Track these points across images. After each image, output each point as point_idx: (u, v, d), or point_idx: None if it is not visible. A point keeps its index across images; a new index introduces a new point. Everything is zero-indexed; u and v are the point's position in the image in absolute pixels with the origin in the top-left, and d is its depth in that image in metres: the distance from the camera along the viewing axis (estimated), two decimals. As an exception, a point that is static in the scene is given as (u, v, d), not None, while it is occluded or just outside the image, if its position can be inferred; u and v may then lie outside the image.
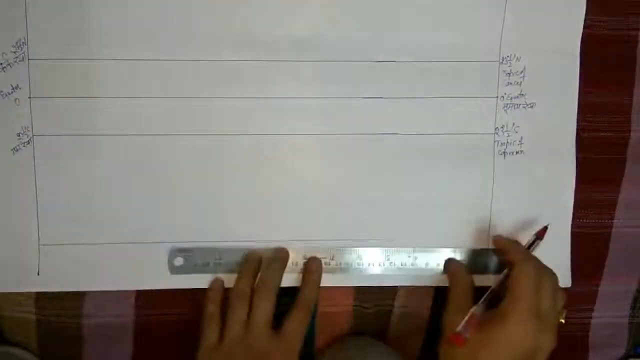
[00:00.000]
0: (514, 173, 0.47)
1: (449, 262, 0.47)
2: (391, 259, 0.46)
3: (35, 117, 0.44)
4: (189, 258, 0.45)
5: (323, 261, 0.46)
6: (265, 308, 0.42)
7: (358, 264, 0.46)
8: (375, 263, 0.46)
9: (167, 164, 0.45)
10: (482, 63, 0.45)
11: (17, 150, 0.44)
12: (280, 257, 0.45)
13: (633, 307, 0.50)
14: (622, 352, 0.51)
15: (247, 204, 0.46)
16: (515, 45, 0.45)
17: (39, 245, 0.45)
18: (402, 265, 0.46)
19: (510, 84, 0.46)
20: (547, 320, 0.40)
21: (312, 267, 0.46)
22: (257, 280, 0.44)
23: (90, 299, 0.46)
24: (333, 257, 0.46)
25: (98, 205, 0.45)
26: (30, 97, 0.44)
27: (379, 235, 0.47)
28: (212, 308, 0.44)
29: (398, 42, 0.45)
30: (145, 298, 0.46)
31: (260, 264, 0.45)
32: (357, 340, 0.47)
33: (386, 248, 0.46)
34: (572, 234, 0.48)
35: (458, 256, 0.47)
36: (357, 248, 0.46)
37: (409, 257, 0.46)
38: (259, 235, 0.46)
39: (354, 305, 0.48)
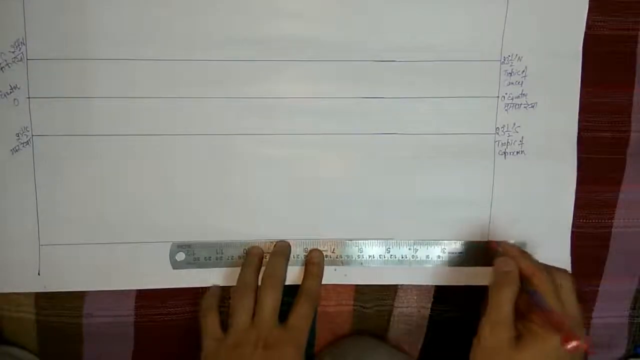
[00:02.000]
0: (515, 173, 0.47)
1: (501, 263, 0.42)
2: (392, 251, 0.46)
3: (34, 118, 0.44)
4: (190, 253, 0.46)
5: (324, 253, 0.46)
6: (272, 299, 0.42)
7: (359, 256, 0.46)
8: (376, 255, 0.46)
9: (167, 164, 0.45)
10: (483, 63, 0.45)
11: (17, 150, 0.44)
12: (282, 250, 0.45)
13: (633, 307, 0.50)
14: (622, 352, 0.51)
15: (247, 203, 0.46)
16: (516, 45, 0.45)
17: (39, 245, 0.45)
18: (402, 257, 0.46)
19: (512, 83, 0.46)
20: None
21: (313, 259, 0.46)
22: (262, 273, 0.44)
23: (90, 299, 0.46)
24: (334, 250, 0.46)
25: (98, 205, 0.45)
26: (29, 97, 0.43)
27: (378, 234, 0.47)
28: (210, 300, 0.44)
29: (398, 42, 0.45)
30: (145, 298, 0.46)
31: (262, 259, 0.45)
32: (357, 340, 0.47)
33: (387, 240, 0.46)
34: (572, 234, 0.48)
35: (459, 247, 0.47)
36: (358, 240, 0.46)
37: (410, 249, 0.46)
38: (257, 235, 0.46)
39: (354, 305, 0.48)
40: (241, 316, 0.42)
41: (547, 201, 0.47)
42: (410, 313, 0.48)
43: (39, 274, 0.45)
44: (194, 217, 0.46)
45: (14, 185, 0.44)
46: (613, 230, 0.48)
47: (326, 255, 0.46)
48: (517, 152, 0.47)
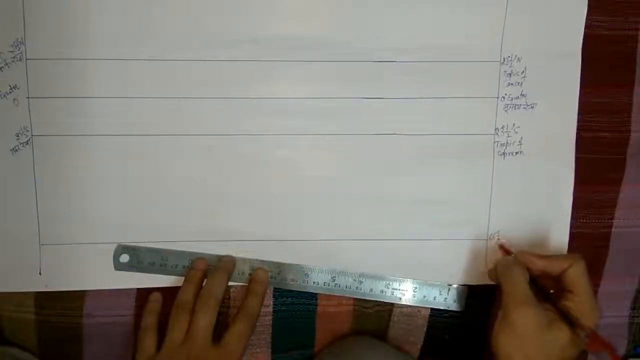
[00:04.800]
0: (513, 174, 0.47)
1: (499, 262, 0.44)
2: (337, 280, 0.46)
3: (33, 118, 0.44)
4: (134, 256, 0.45)
5: (269, 275, 0.46)
6: (205, 318, 0.42)
7: (303, 281, 0.46)
8: (320, 282, 0.46)
9: (167, 164, 0.45)
10: (483, 63, 0.45)
11: (17, 150, 0.44)
12: (225, 266, 0.45)
13: (633, 307, 0.50)
14: (622, 352, 0.51)
15: (247, 203, 0.46)
16: (516, 46, 0.45)
17: (39, 245, 0.45)
18: (346, 287, 0.46)
19: (511, 84, 0.46)
20: None
21: (258, 278, 0.45)
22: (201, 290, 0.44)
23: (90, 299, 0.46)
24: (279, 272, 0.46)
25: (98, 205, 0.45)
26: (28, 97, 0.43)
27: (377, 235, 0.47)
28: (149, 319, 0.44)
29: (398, 42, 0.45)
30: (146, 298, 0.46)
31: (205, 273, 0.45)
32: (357, 340, 0.47)
33: (332, 269, 0.46)
34: (572, 234, 0.48)
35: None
36: (303, 265, 0.46)
37: (354, 280, 0.46)
38: (257, 235, 0.46)
39: (354, 305, 0.48)
40: (175, 333, 0.42)
41: (546, 201, 0.47)
42: (410, 313, 0.48)
43: (40, 274, 0.45)
44: (194, 217, 0.46)
45: (14, 185, 0.44)
46: (613, 230, 0.48)
47: (272, 277, 0.46)
48: (516, 153, 0.47)
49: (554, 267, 0.42)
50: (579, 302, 0.40)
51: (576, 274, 0.41)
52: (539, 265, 0.42)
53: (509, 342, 0.39)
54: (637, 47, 0.47)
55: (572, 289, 0.41)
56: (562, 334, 0.39)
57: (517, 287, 0.40)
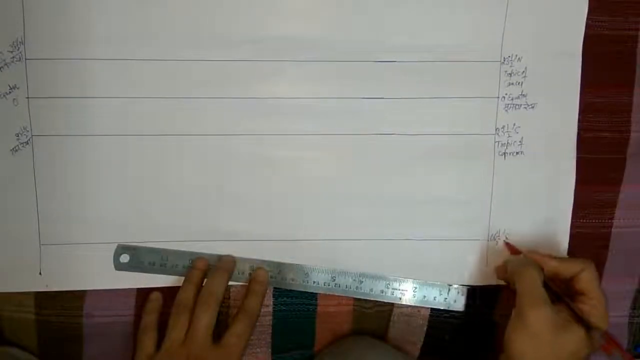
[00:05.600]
0: (514, 174, 0.47)
1: (511, 261, 0.44)
2: (337, 280, 0.46)
3: (33, 118, 0.44)
4: (134, 257, 0.45)
5: (269, 275, 0.46)
6: (206, 317, 0.42)
7: (303, 281, 0.46)
8: (320, 282, 0.46)
9: (166, 164, 0.45)
10: (483, 63, 0.45)
11: (17, 150, 0.44)
12: (225, 266, 0.45)
13: (633, 307, 0.50)
14: (621, 352, 0.51)
15: (247, 203, 0.46)
16: (516, 46, 0.45)
17: (39, 244, 0.45)
18: (346, 287, 0.46)
19: (512, 84, 0.46)
20: None
21: (258, 277, 0.45)
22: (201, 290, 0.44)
23: (90, 299, 0.46)
24: (279, 271, 0.46)
25: (97, 205, 0.45)
26: (28, 97, 0.43)
27: (375, 235, 0.47)
28: (149, 318, 0.44)
29: (398, 42, 0.45)
30: (146, 298, 0.46)
31: (205, 273, 0.45)
32: (357, 340, 0.47)
33: (332, 269, 0.46)
34: (572, 234, 0.48)
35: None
36: (303, 265, 0.46)
37: (354, 280, 0.46)
38: (257, 235, 0.46)
39: (354, 305, 0.48)
40: (175, 333, 0.42)
41: (546, 201, 0.47)
42: (410, 313, 0.48)
43: (40, 274, 0.45)
44: (193, 217, 0.46)
45: (14, 185, 0.44)
46: (613, 230, 0.48)
47: (272, 277, 0.46)
48: (517, 153, 0.46)
49: (566, 270, 0.42)
50: (593, 305, 0.41)
51: (590, 278, 0.41)
52: (551, 265, 0.42)
53: (523, 342, 0.39)
54: (637, 47, 0.46)
55: (586, 292, 0.41)
56: (576, 335, 0.39)
57: (532, 286, 0.40)
